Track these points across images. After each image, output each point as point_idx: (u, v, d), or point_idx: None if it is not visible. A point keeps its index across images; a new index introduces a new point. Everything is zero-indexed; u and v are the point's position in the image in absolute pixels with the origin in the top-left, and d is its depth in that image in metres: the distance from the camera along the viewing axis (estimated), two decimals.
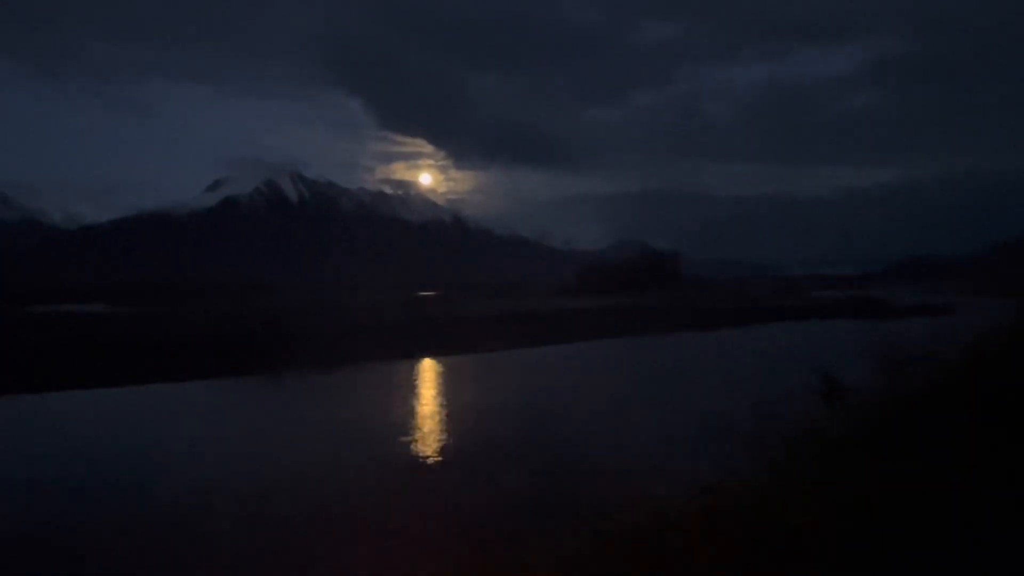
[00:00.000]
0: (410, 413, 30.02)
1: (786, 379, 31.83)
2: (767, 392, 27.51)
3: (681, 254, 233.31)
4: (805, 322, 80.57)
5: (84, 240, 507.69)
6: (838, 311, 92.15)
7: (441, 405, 31.87)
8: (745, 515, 9.01)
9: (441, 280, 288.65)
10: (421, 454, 22.63)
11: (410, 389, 37.38)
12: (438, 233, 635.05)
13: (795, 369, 36.47)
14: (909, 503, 8.43)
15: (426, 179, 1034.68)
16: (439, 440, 24.62)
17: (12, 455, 24.30)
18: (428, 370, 45.10)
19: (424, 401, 33.28)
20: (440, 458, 22.12)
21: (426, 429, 26.66)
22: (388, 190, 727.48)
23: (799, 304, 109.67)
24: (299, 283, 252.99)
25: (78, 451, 24.25)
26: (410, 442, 24.20)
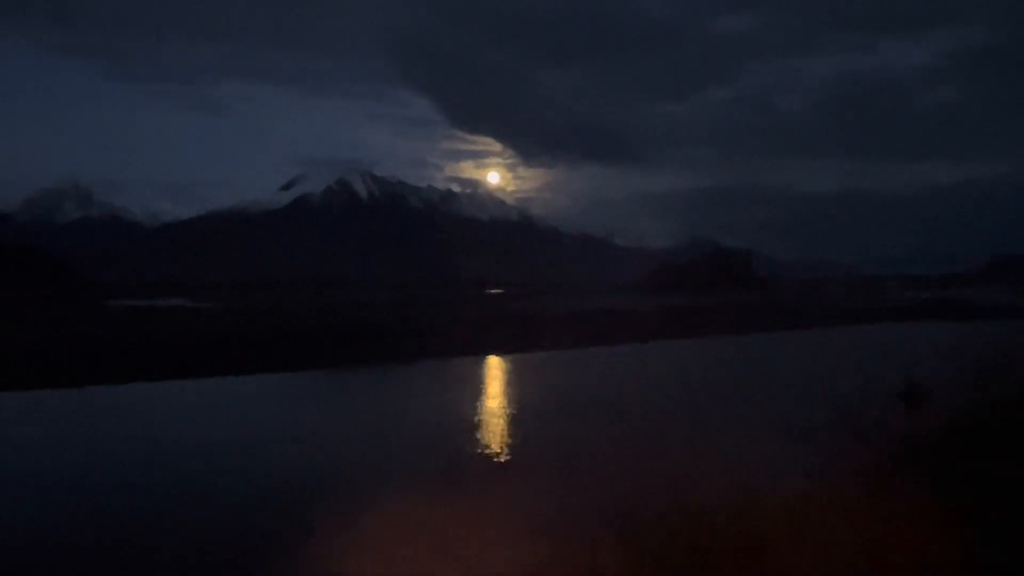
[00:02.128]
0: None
1: (869, 383, 31.17)
2: (852, 396, 27.02)
3: (754, 252, 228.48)
4: (886, 323, 78.29)
5: (164, 237, 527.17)
6: (921, 312, 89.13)
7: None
8: (829, 520, 8.89)
9: (509, 278, 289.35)
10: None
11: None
12: (506, 231, 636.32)
13: (878, 373, 35.56)
14: (994, 510, 8.16)
15: (494, 177, 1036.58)
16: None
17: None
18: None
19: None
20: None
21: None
22: (456, 188, 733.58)
23: (879, 305, 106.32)
24: (370, 280, 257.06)
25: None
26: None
